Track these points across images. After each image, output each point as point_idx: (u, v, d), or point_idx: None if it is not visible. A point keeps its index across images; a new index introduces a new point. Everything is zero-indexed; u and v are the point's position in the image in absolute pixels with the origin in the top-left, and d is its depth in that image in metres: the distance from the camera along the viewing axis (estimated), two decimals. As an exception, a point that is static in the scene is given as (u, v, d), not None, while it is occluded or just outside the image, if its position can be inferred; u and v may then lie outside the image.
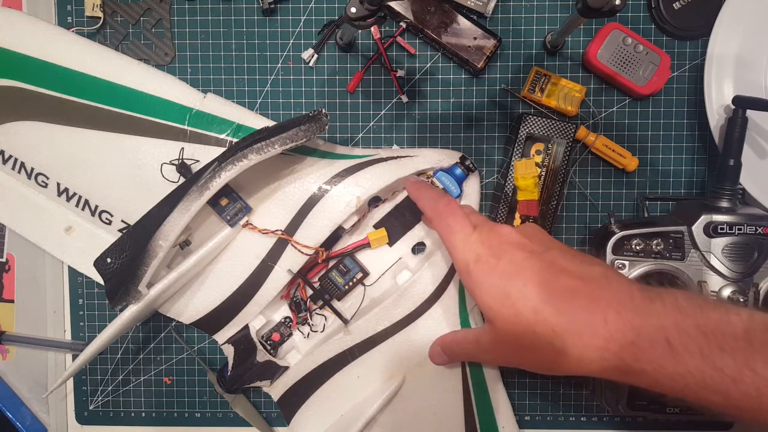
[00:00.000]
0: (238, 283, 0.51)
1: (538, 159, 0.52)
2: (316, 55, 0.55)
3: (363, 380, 0.53)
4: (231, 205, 0.50)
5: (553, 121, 0.51)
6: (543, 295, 0.36)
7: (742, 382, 0.30)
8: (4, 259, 0.57)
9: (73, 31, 0.54)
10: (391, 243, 0.54)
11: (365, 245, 0.53)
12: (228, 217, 0.50)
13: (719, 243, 0.47)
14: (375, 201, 0.53)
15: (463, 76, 0.55)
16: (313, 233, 0.50)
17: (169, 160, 0.51)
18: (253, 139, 0.46)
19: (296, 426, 0.54)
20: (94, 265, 0.47)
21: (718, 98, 0.50)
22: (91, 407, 0.59)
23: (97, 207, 0.53)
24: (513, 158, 0.51)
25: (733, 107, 0.49)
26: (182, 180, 0.50)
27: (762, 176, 0.51)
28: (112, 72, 0.51)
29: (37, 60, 0.51)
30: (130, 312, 0.48)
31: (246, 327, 0.53)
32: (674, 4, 0.52)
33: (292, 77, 0.55)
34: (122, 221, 0.53)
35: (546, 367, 0.38)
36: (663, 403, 0.49)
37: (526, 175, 0.48)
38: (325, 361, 0.53)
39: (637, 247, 0.48)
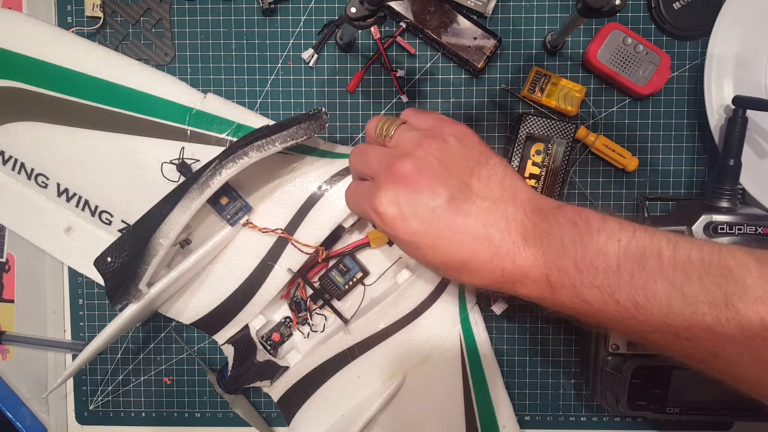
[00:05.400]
0: (238, 283, 0.51)
1: (538, 159, 0.52)
2: (316, 55, 0.55)
3: (363, 380, 0.53)
4: (231, 203, 0.50)
5: (553, 121, 0.51)
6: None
7: (608, 312, 0.34)
8: (4, 259, 0.57)
9: (73, 31, 0.54)
10: (390, 242, 0.54)
11: (365, 244, 0.53)
12: (228, 216, 0.50)
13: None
14: (375, 201, 0.53)
15: (463, 76, 0.55)
16: (313, 232, 0.50)
17: (169, 160, 0.51)
18: (254, 136, 0.46)
19: (296, 426, 0.54)
20: (94, 264, 0.47)
21: (718, 98, 0.50)
22: (91, 407, 0.59)
23: (97, 207, 0.53)
24: (513, 158, 0.51)
25: (733, 107, 0.49)
26: (182, 180, 0.50)
27: (762, 176, 0.51)
28: (112, 72, 0.51)
29: (37, 61, 0.51)
30: (130, 311, 0.48)
31: (246, 327, 0.53)
32: (674, 4, 0.52)
33: (292, 77, 0.55)
34: (122, 221, 0.53)
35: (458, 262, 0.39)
36: (663, 402, 0.49)
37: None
38: (325, 361, 0.53)
39: (637, 247, 0.48)
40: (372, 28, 0.53)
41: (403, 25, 0.53)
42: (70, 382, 0.59)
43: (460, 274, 0.38)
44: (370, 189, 0.40)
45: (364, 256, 0.54)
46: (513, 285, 0.37)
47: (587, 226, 0.36)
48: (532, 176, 0.52)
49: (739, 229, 0.47)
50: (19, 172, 0.53)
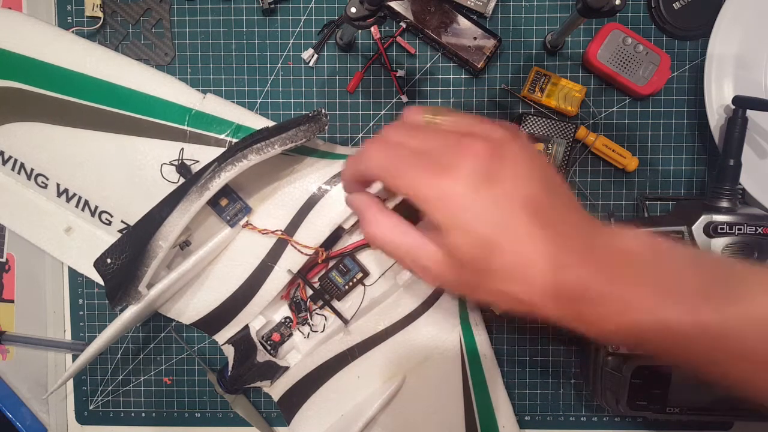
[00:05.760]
0: (238, 284, 0.51)
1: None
2: (316, 55, 0.55)
3: (363, 380, 0.53)
4: (231, 205, 0.50)
5: (553, 121, 0.51)
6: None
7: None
8: (4, 259, 0.57)
9: (73, 31, 0.54)
10: (391, 243, 0.54)
11: (365, 245, 0.53)
12: (228, 218, 0.50)
13: (719, 243, 0.47)
14: (375, 201, 0.53)
15: (463, 76, 0.55)
16: (313, 233, 0.50)
17: (168, 161, 0.51)
18: (253, 139, 0.46)
19: (296, 426, 0.54)
20: (94, 265, 0.47)
21: (718, 98, 0.50)
22: (91, 407, 0.59)
23: (96, 207, 0.53)
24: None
25: (733, 107, 0.49)
26: (182, 180, 0.50)
27: (762, 176, 0.51)
28: (112, 73, 0.51)
29: (36, 61, 0.50)
30: (130, 312, 0.48)
31: (246, 327, 0.53)
32: (674, 4, 0.52)
33: (292, 77, 0.55)
34: (122, 222, 0.53)
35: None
36: (663, 403, 0.49)
37: None
38: (325, 361, 0.53)
39: (637, 247, 0.48)
40: (372, 28, 0.53)
41: (403, 25, 0.53)
42: (70, 383, 0.59)
43: (497, 281, 0.33)
44: (430, 159, 0.33)
45: (364, 257, 0.54)
46: (569, 303, 0.32)
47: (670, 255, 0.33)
48: (532, 176, 0.52)
49: (739, 229, 0.47)
50: (18, 173, 0.53)
